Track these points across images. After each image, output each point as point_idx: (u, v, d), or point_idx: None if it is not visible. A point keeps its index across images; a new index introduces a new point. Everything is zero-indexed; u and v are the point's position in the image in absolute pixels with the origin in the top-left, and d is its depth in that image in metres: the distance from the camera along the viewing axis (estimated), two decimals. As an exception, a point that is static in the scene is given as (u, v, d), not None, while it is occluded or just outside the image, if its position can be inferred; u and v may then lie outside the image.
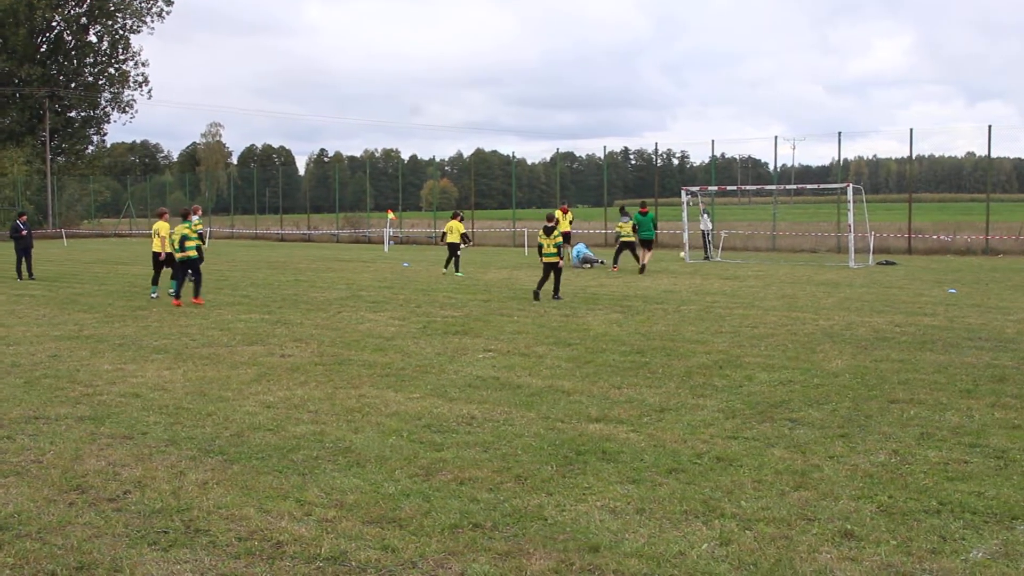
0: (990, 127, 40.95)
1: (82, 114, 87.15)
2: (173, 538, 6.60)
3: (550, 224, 23.19)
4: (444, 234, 32.00)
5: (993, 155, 52.12)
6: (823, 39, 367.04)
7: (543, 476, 7.86)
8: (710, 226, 39.68)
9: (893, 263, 34.23)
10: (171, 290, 22.55)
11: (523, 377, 12.24)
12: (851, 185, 34.70)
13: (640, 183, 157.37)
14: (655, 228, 33.24)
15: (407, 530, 6.66)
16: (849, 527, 6.62)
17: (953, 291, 23.04)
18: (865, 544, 6.32)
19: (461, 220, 31.96)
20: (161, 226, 23.54)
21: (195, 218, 24.67)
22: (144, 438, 9.34)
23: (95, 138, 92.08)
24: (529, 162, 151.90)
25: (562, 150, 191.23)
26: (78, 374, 12.84)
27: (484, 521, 6.80)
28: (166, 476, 8.02)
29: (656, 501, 7.20)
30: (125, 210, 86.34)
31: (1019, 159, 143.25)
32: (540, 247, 23.06)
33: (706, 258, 37.98)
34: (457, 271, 30.62)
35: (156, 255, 23.57)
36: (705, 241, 39.04)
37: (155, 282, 23.96)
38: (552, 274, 22.54)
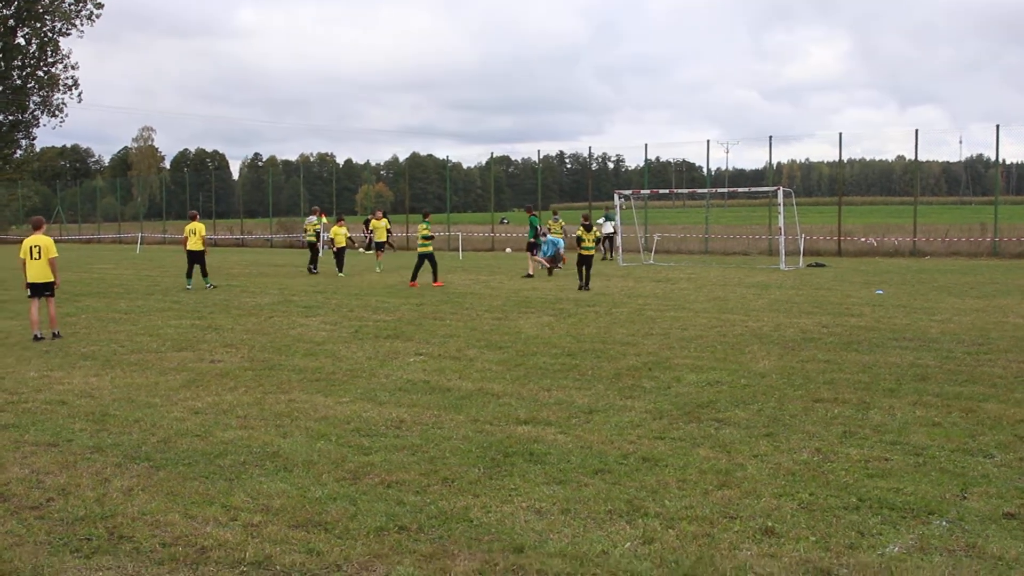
0: (917, 131, 41.60)
1: (10, 118, 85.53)
2: (96, 545, 6.54)
3: (587, 222, 27.07)
4: (332, 240, 32.69)
5: (922, 159, 52.98)
6: (759, 45, 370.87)
7: (470, 478, 7.90)
8: (611, 229, 40.82)
9: (823, 265, 34.72)
10: (207, 284, 27.02)
11: (453, 380, 12.26)
12: (781, 188, 35.19)
13: (575, 187, 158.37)
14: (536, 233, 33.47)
15: (332, 533, 6.66)
16: (770, 524, 6.72)
17: (881, 292, 23.41)
18: (785, 540, 6.42)
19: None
20: (197, 227, 27.21)
21: (313, 218, 36.35)
22: (69, 445, 9.24)
23: (24, 142, 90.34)
24: (465, 166, 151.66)
25: (499, 154, 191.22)
26: (3, 381, 12.65)
27: (410, 524, 6.82)
28: (90, 483, 7.94)
29: (581, 501, 7.26)
30: (55, 215, 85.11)
31: (947, 163, 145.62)
32: (580, 240, 26.58)
33: (604, 259, 39.41)
34: (340, 271, 32.30)
35: (191, 252, 27.03)
36: (608, 242, 40.70)
37: (188, 275, 27.19)
38: (585, 267, 25.76)
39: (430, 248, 27.59)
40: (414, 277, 27.42)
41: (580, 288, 25.23)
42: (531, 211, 34.47)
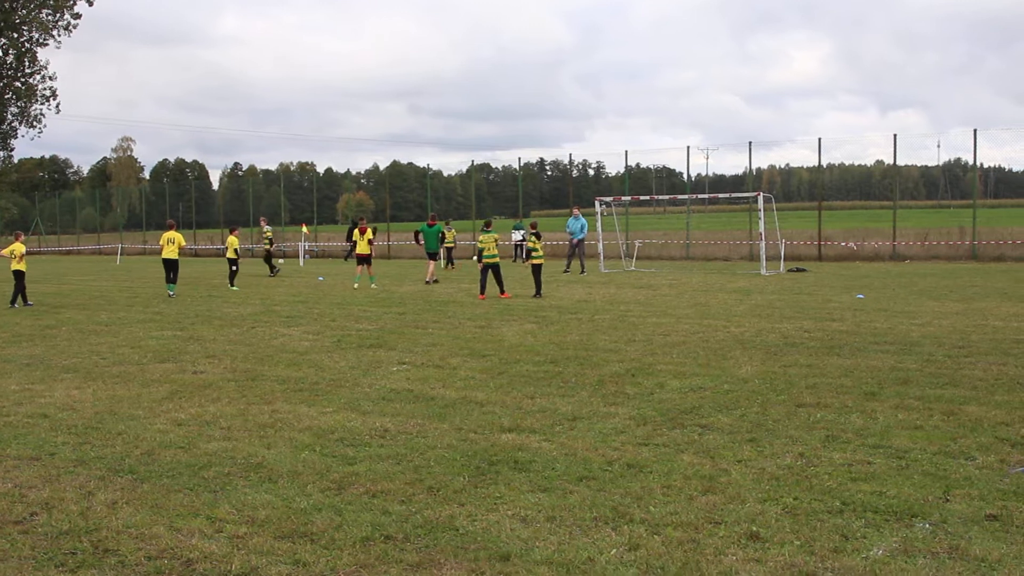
0: (895, 136, 41.83)
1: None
2: (81, 559, 6.52)
3: (534, 231, 26.91)
4: (228, 248, 32.72)
5: (901, 163, 53.18)
6: (742, 49, 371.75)
7: (455, 487, 7.90)
8: (520, 238, 44.86)
9: (804, 270, 34.83)
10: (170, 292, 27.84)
11: (437, 389, 12.27)
12: (761, 194, 35.25)
13: (556, 194, 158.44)
14: (441, 242, 33.78)
15: (318, 544, 6.65)
16: (755, 529, 6.74)
17: (862, 296, 23.50)
18: (770, 545, 6.44)
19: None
20: (174, 235, 28.15)
21: (267, 227, 43.20)
22: (52, 459, 9.20)
23: (1, 153, 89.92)
24: (446, 174, 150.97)
25: (480, 162, 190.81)
26: (-16, 395, 12.60)
27: (396, 533, 6.82)
28: (74, 497, 7.91)
29: (566, 509, 7.27)
30: (34, 227, 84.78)
31: (926, 167, 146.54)
32: (530, 251, 26.59)
33: (514, 260, 43.88)
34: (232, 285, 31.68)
35: (165, 260, 28.11)
36: (518, 251, 45.04)
37: (168, 281, 28.12)
38: (536, 275, 26.02)
39: (496, 259, 26.41)
40: (502, 289, 25.99)
41: (534, 296, 25.42)
42: (434, 220, 33.71)
